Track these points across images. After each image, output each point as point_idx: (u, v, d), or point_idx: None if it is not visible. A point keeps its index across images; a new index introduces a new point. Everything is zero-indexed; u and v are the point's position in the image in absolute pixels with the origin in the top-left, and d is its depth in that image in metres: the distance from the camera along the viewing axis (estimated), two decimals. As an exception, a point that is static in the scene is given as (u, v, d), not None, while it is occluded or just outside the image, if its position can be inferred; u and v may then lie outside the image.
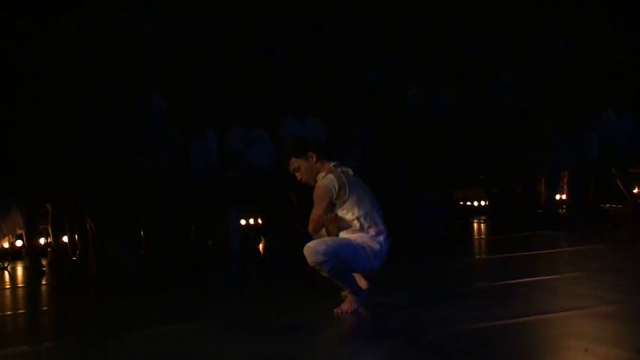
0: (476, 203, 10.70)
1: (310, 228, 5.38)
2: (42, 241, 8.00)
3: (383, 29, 12.31)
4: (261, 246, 8.62)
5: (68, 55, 8.88)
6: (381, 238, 5.28)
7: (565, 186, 9.98)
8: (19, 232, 7.67)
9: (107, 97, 8.34)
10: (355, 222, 5.27)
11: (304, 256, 5.07)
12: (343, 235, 5.31)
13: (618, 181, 9.82)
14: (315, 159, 5.41)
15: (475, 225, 10.05)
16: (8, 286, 7.11)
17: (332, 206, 5.31)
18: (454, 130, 10.20)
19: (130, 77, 8.75)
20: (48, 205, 7.69)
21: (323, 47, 11.23)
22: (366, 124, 9.48)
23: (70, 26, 9.46)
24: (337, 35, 11.65)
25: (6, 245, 7.90)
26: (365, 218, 5.26)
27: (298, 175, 5.49)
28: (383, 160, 9.16)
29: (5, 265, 7.73)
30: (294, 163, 5.46)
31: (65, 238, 7.84)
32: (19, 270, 7.68)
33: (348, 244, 5.18)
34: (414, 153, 9.62)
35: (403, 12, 12.42)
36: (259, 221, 8.98)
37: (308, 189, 5.55)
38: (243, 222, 8.77)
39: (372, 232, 5.26)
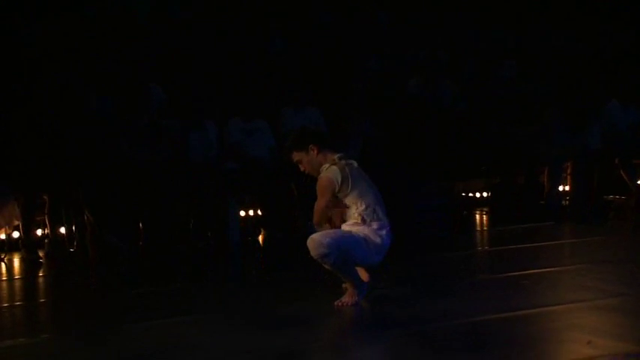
0: (478, 195, 10.69)
1: (314, 220, 5.37)
2: (39, 232, 8.00)
3: (384, 18, 12.30)
4: (260, 238, 8.62)
5: (67, 44, 8.88)
6: (384, 232, 5.28)
7: (568, 177, 9.97)
8: (16, 223, 7.67)
9: (106, 88, 8.35)
10: (357, 215, 5.26)
11: (305, 247, 5.08)
12: (345, 228, 5.30)
13: (622, 172, 9.82)
14: (315, 152, 5.39)
15: (477, 217, 10.05)
16: (5, 278, 7.11)
17: (335, 198, 5.30)
18: (455, 121, 10.20)
19: (128, 67, 8.76)
20: (45, 196, 7.69)
21: (323, 37, 11.22)
22: (366, 115, 9.48)
23: (69, 15, 9.45)
24: (337, 25, 11.64)
25: (2, 237, 7.90)
26: (367, 212, 5.26)
27: (301, 167, 5.49)
28: (383, 151, 9.16)
29: (2, 257, 7.73)
30: (296, 156, 5.46)
31: (62, 230, 7.85)
32: (16, 262, 7.69)
33: (351, 237, 5.18)
34: (414, 144, 9.62)
35: (404, 1, 12.42)
36: (259, 213, 8.98)
37: (308, 180, 5.55)
38: (242, 214, 8.78)
39: (374, 225, 5.26)
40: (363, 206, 5.25)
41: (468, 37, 12.32)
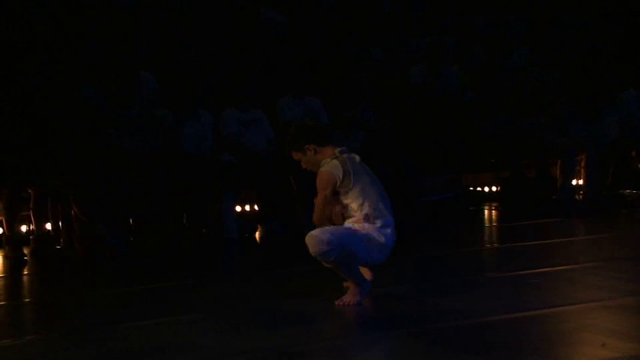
0: (486, 189, 10.71)
1: (314, 217, 5.37)
2: (24, 228, 8.00)
3: (387, 2, 12.29)
4: (257, 234, 8.63)
5: (53, 30, 8.87)
6: (388, 230, 5.27)
7: (581, 170, 9.99)
8: None
9: (95, 75, 8.34)
10: (359, 213, 5.26)
11: (305, 244, 5.08)
12: (347, 225, 5.30)
13: (638, 165, 9.83)
14: (313, 151, 5.39)
15: (486, 212, 10.05)
16: (-12, 277, 7.12)
17: (336, 195, 5.30)
18: (463, 111, 10.20)
19: (118, 54, 8.74)
20: (30, 190, 7.69)
21: (324, 22, 11.21)
22: (368, 104, 9.48)
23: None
24: (339, 9, 11.63)
25: (-15, 233, 7.91)
26: (371, 209, 5.24)
27: (303, 165, 5.51)
28: (386, 142, 9.16)
29: (-15, 255, 7.74)
30: (295, 155, 5.50)
31: (49, 226, 7.84)
32: None
33: (353, 235, 5.17)
34: (419, 135, 9.63)
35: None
36: (256, 208, 9.00)
37: (308, 173, 5.56)
38: (238, 209, 8.79)
39: (378, 223, 5.25)
40: (366, 203, 5.23)
41: (476, 22, 12.31)
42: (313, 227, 5.24)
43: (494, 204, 10.25)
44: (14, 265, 7.41)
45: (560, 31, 12.21)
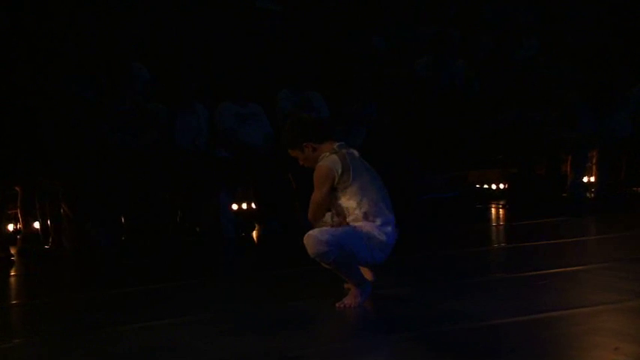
0: (493, 186, 10.71)
1: (309, 214, 5.36)
2: (11, 227, 8.00)
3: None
4: (255, 233, 8.63)
5: (42, 19, 8.86)
6: (389, 228, 5.25)
7: (593, 167, 9.98)
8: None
9: (85, 67, 8.33)
10: (358, 210, 5.24)
11: (304, 244, 5.08)
12: (346, 224, 5.29)
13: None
14: (310, 149, 5.37)
15: (493, 210, 10.05)
16: (-26, 278, 7.12)
17: (334, 191, 5.29)
18: (469, 105, 10.19)
19: (109, 45, 8.74)
20: (17, 188, 7.69)
21: (324, 12, 11.21)
22: (370, 98, 9.47)
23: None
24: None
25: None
26: (370, 206, 5.23)
27: (300, 162, 5.50)
28: (390, 138, 9.16)
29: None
30: (292, 153, 5.48)
31: (37, 224, 7.84)
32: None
33: (353, 234, 5.15)
34: (423, 130, 9.62)
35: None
36: (253, 206, 8.99)
37: (308, 170, 5.55)
38: (235, 207, 8.79)
39: (378, 221, 5.23)
40: (365, 200, 5.21)
41: (483, 11, 12.31)
42: (311, 227, 5.24)
43: (501, 202, 10.25)
44: (1, 265, 7.41)
45: (571, 22, 12.20)
